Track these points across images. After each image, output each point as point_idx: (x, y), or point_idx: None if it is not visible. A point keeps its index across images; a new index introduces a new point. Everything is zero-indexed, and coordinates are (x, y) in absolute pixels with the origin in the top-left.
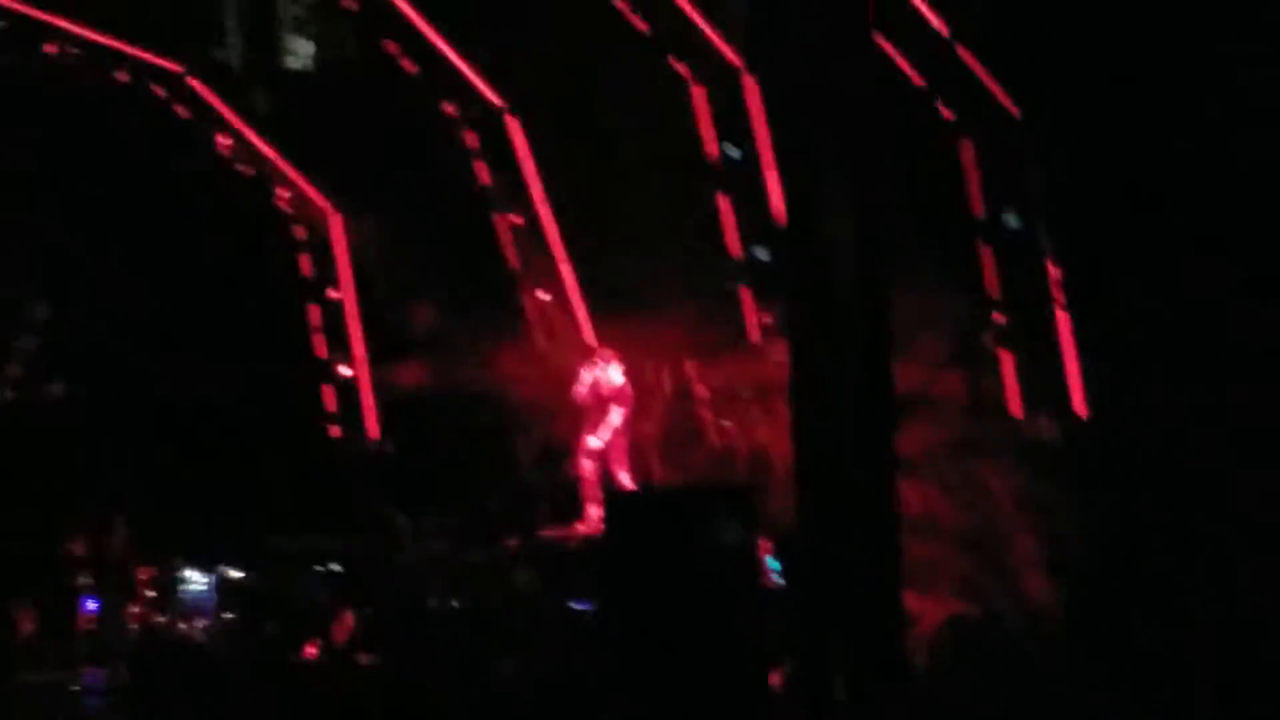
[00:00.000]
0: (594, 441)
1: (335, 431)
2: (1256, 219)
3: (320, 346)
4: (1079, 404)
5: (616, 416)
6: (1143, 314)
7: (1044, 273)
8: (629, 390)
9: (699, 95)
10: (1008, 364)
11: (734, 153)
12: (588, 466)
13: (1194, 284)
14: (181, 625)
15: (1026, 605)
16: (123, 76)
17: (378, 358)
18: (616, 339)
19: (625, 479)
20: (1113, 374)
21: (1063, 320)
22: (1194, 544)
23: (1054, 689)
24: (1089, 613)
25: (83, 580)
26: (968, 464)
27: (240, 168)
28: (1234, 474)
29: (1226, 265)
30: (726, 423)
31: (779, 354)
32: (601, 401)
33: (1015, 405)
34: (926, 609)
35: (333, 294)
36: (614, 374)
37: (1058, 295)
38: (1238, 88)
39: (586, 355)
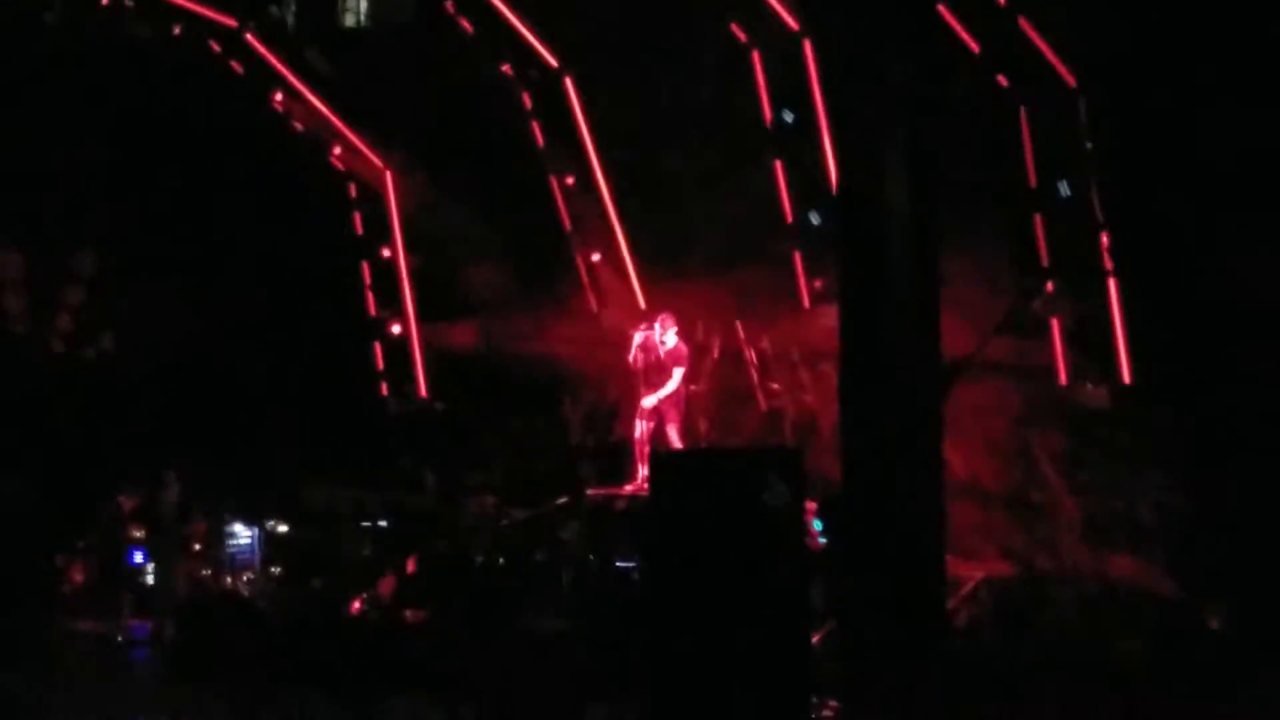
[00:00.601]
0: (648, 401)
1: (385, 389)
2: None
3: (371, 304)
4: (1126, 372)
5: (676, 377)
6: (1194, 285)
7: (1096, 241)
8: (685, 352)
9: (756, 59)
10: (1056, 331)
11: (789, 117)
12: (639, 427)
13: (1245, 255)
14: (228, 579)
15: (1069, 569)
16: (178, 31)
17: (429, 316)
18: (668, 301)
19: (675, 439)
20: (1162, 343)
21: (1113, 289)
22: (1239, 513)
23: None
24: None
25: (134, 534)
26: (1014, 428)
27: (295, 124)
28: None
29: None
30: (775, 385)
31: (829, 318)
32: (654, 363)
33: (1063, 372)
34: (969, 571)
35: (385, 252)
36: (670, 338)
37: (1109, 264)
38: None
39: (639, 317)
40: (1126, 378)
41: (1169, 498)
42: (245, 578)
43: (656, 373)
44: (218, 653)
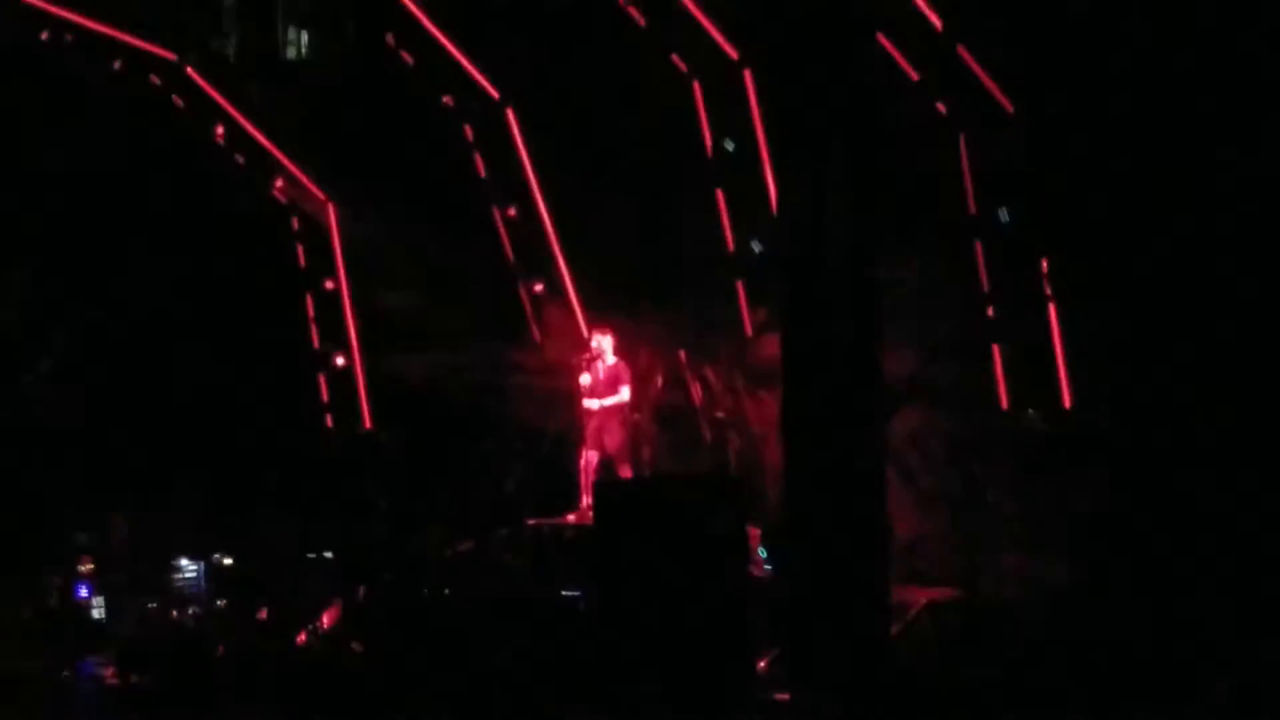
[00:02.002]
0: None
1: (329, 421)
2: (1248, 216)
3: (315, 336)
4: (1067, 396)
5: (624, 393)
6: (1133, 309)
7: (1035, 267)
8: (626, 367)
9: (696, 89)
10: (997, 357)
11: (730, 146)
12: (583, 455)
13: (1184, 278)
14: (174, 612)
15: (1011, 592)
16: (118, 65)
17: (373, 348)
18: (612, 327)
19: (620, 467)
20: (1100, 368)
21: (1052, 314)
22: (1177, 534)
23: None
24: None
25: (82, 569)
26: (956, 454)
27: (236, 157)
28: (1217, 467)
29: (1217, 261)
30: (720, 413)
31: (772, 346)
32: (598, 384)
33: (1004, 397)
34: (913, 596)
35: (329, 284)
36: (607, 348)
37: (1048, 289)
38: (1232, 86)
39: (583, 347)
40: (1067, 403)
41: (1111, 521)
42: (191, 611)
43: (601, 393)
44: (162, 688)
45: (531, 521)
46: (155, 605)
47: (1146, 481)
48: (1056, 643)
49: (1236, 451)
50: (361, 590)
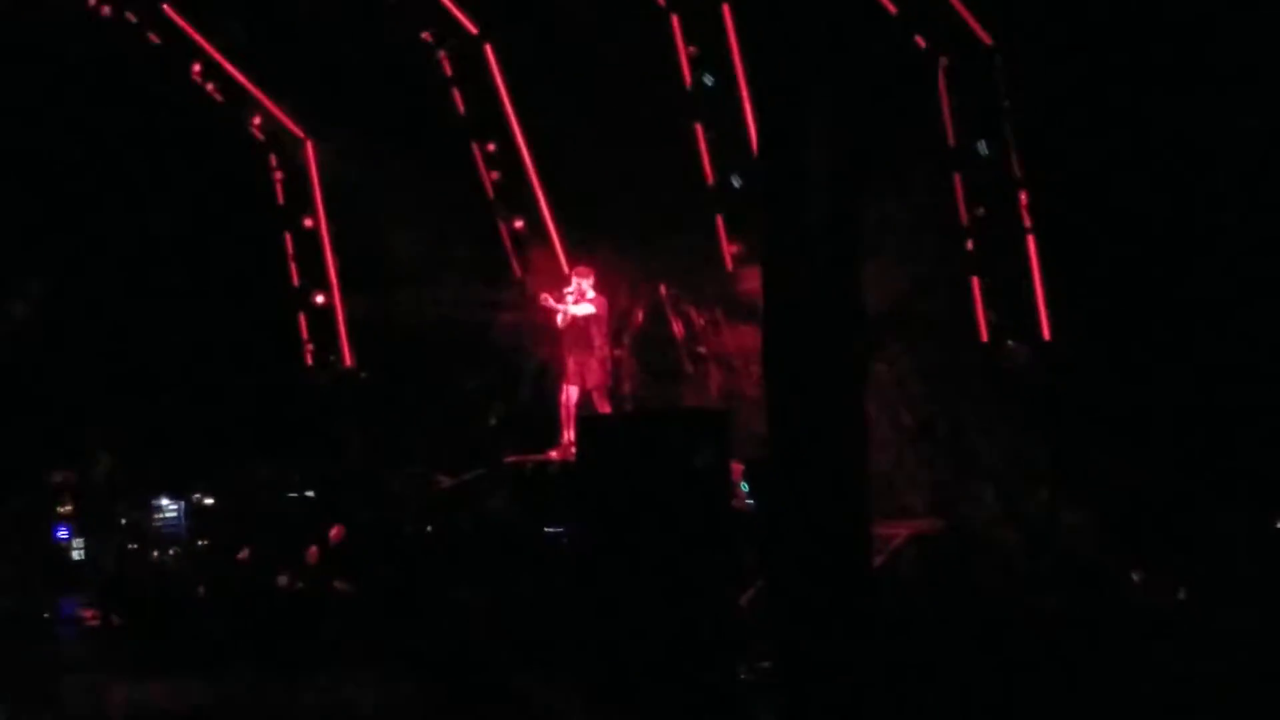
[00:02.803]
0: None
1: (309, 359)
2: (1224, 154)
3: (294, 274)
4: (1047, 329)
5: (596, 336)
6: (1112, 242)
7: (1014, 200)
8: (604, 307)
9: (675, 23)
10: (976, 289)
11: (710, 80)
12: (566, 391)
13: (1162, 211)
14: (155, 552)
15: (992, 523)
16: (96, 3)
17: (354, 286)
18: (592, 267)
19: (601, 403)
20: (1080, 300)
21: (1031, 247)
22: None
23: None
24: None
25: (62, 509)
26: (936, 386)
27: (215, 95)
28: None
29: (1196, 193)
30: (700, 348)
31: (752, 280)
32: (579, 325)
33: (983, 329)
34: (896, 530)
35: (308, 222)
36: (587, 286)
37: (1027, 222)
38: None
39: (563, 283)
40: (1047, 334)
41: (1092, 455)
42: (172, 551)
43: (581, 331)
44: (147, 629)
45: (513, 458)
46: (136, 546)
47: (1123, 411)
48: (1038, 573)
49: (1214, 382)
50: (341, 529)
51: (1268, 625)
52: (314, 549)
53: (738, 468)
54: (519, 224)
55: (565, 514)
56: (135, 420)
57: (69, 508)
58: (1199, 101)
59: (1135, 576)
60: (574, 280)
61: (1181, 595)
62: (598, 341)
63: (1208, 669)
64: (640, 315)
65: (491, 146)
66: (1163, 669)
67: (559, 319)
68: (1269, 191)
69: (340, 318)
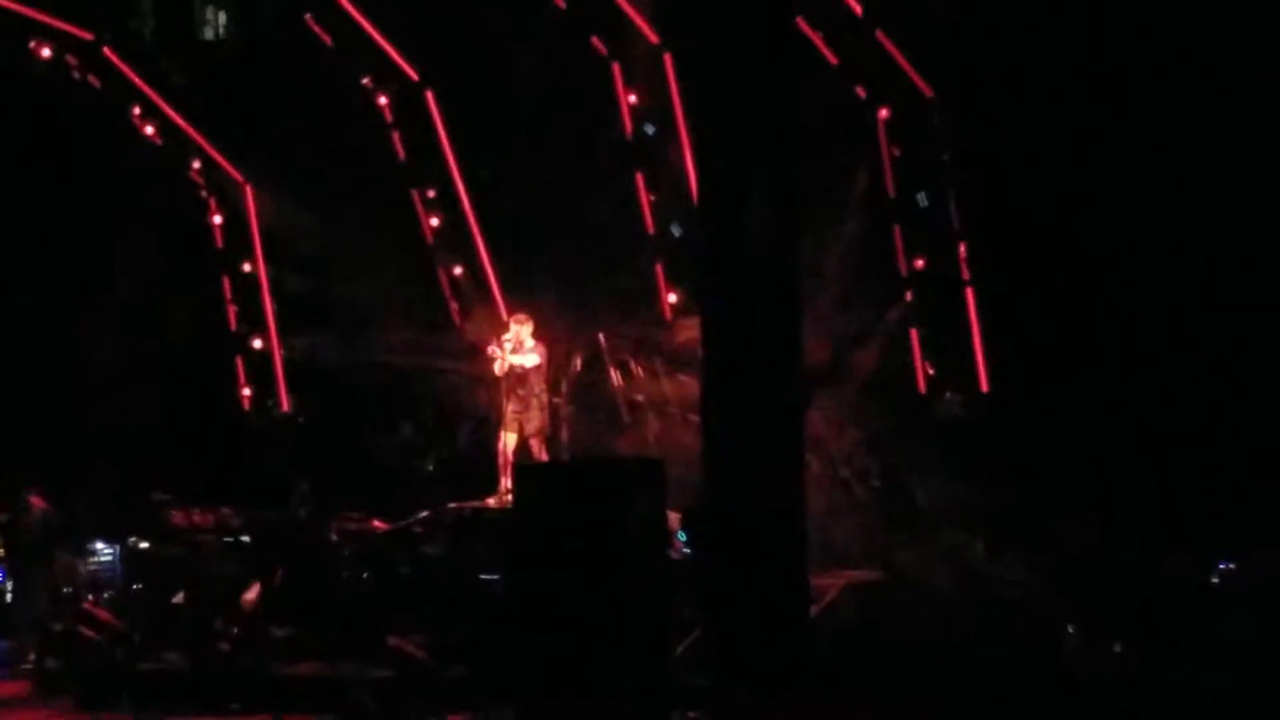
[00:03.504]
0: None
1: (246, 403)
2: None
3: (233, 318)
4: (984, 380)
5: (535, 383)
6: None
7: (954, 251)
8: (544, 355)
9: (617, 72)
10: (914, 340)
11: (650, 130)
12: (504, 438)
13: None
14: (89, 596)
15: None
16: (35, 45)
17: (291, 330)
18: (530, 313)
19: (539, 451)
20: (1017, 353)
21: (970, 298)
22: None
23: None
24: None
25: None
26: (874, 436)
27: (154, 139)
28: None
29: (1137, 246)
30: (638, 397)
31: (691, 330)
32: (517, 372)
33: (922, 381)
34: (832, 578)
35: (246, 266)
36: (526, 335)
37: (965, 274)
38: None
39: (502, 329)
40: (984, 386)
41: (1028, 505)
42: (106, 595)
43: (519, 380)
44: (79, 674)
45: (451, 504)
46: (69, 590)
47: (1060, 462)
48: (973, 620)
49: (1153, 435)
50: (278, 574)
51: (1203, 680)
52: (251, 594)
53: (675, 517)
54: (458, 270)
55: (501, 561)
56: (69, 462)
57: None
58: (1138, 155)
59: (1070, 629)
60: (512, 327)
61: (1117, 649)
62: (537, 389)
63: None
64: (579, 363)
65: (432, 192)
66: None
67: (497, 367)
68: (1207, 244)
69: (278, 362)
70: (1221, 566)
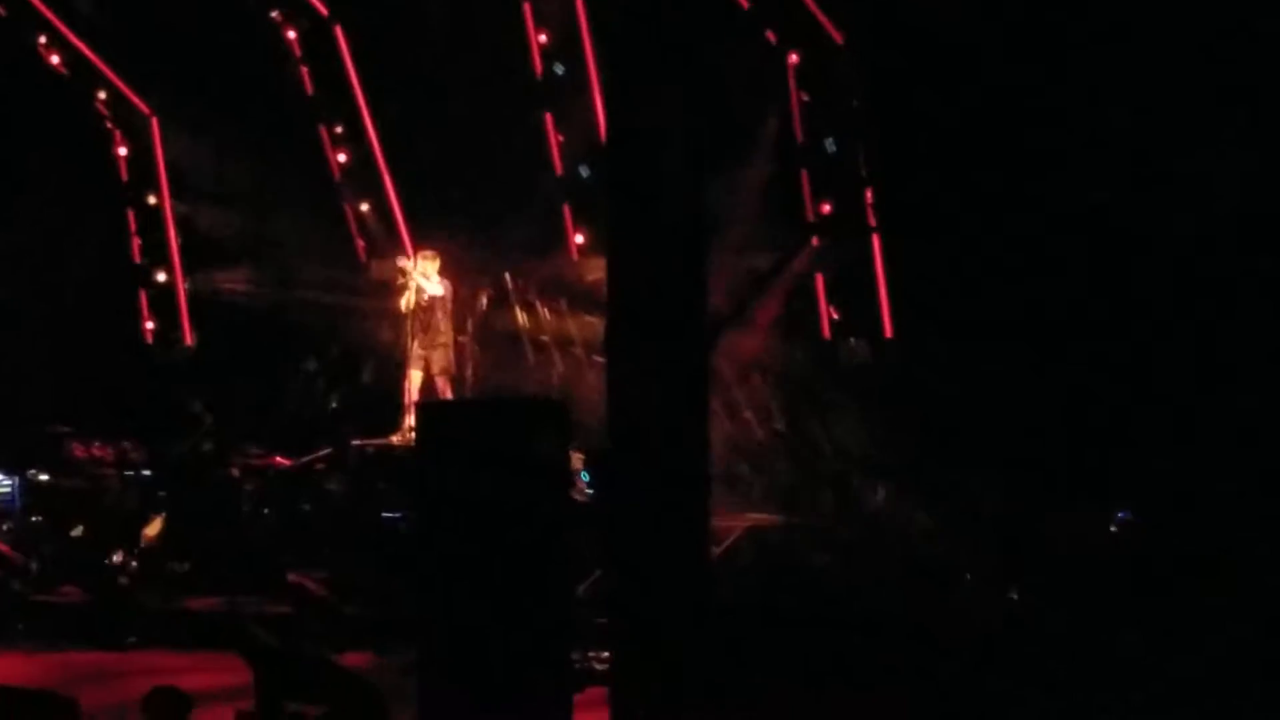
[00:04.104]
0: (417, 349)
1: (149, 337)
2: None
3: (136, 251)
4: (888, 326)
5: (441, 321)
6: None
7: (860, 197)
8: (450, 292)
9: (528, 11)
10: (820, 285)
11: (560, 70)
12: (410, 376)
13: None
14: None
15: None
16: None
17: (195, 264)
18: (438, 251)
19: (445, 389)
20: (920, 298)
21: (875, 245)
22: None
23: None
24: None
25: None
26: (777, 381)
27: (59, 69)
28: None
29: (1038, 190)
30: (543, 336)
31: (596, 270)
32: (423, 306)
33: (826, 327)
34: (732, 523)
35: (151, 199)
36: (432, 271)
37: (871, 220)
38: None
39: (407, 263)
40: (888, 332)
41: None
42: (5, 526)
43: (427, 315)
44: None
45: (355, 442)
46: None
47: (961, 410)
48: (871, 566)
49: (1053, 382)
50: (171, 511)
51: (1093, 626)
52: (151, 529)
53: (579, 457)
54: (365, 206)
55: (405, 500)
56: None
57: None
58: (1049, 103)
59: (967, 575)
60: (418, 262)
61: (1013, 595)
62: (443, 326)
63: (1027, 667)
64: (485, 302)
65: (339, 128)
66: (986, 666)
67: (404, 302)
68: (1116, 187)
69: (181, 296)
70: (1120, 517)
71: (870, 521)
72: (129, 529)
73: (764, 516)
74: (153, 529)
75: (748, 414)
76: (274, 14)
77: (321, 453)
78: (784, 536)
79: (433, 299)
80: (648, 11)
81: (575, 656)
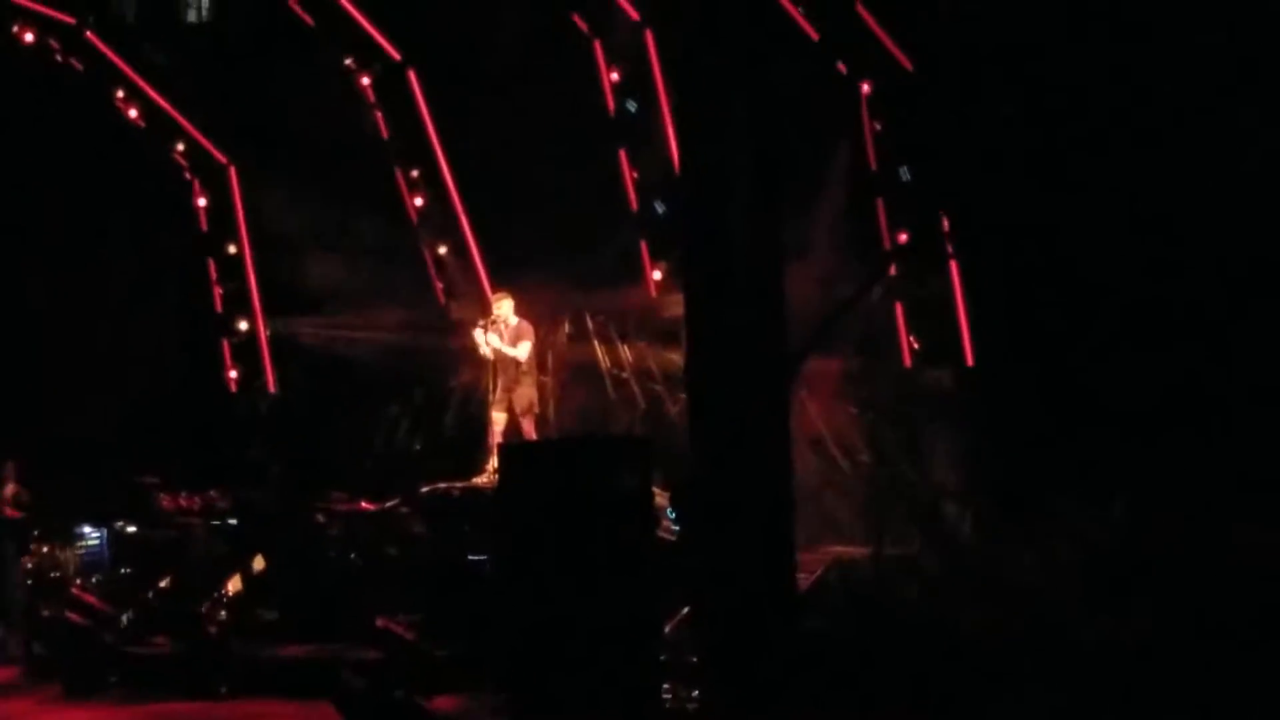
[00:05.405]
0: (500, 390)
1: (233, 386)
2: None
3: (218, 300)
4: (969, 354)
5: (523, 349)
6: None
7: (937, 225)
8: (528, 328)
9: (598, 49)
10: (899, 314)
11: (632, 106)
12: (493, 417)
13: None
14: (78, 580)
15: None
16: (19, 30)
17: (276, 311)
18: (516, 290)
19: (528, 429)
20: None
21: (954, 272)
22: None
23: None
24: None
25: None
26: (859, 410)
27: (137, 122)
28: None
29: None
30: (624, 373)
31: (675, 305)
32: (503, 353)
33: (907, 355)
34: (820, 553)
35: (231, 248)
36: (508, 313)
37: (949, 247)
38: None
39: (486, 308)
40: (969, 359)
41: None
42: (94, 578)
43: (508, 357)
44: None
45: (440, 485)
46: (57, 574)
47: (1046, 436)
48: (960, 595)
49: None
50: (262, 557)
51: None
52: (236, 577)
53: (663, 494)
54: (442, 249)
55: (489, 541)
56: (56, 446)
57: None
58: (1125, 126)
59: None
60: (495, 305)
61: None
62: (525, 367)
63: (1113, 689)
64: (565, 340)
65: (415, 172)
66: (1072, 688)
67: (483, 350)
68: (1194, 215)
69: (264, 343)
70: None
71: (958, 552)
72: (217, 578)
73: (850, 548)
74: (240, 578)
75: (830, 445)
76: (348, 60)
77: (406, 496)
78: (871, 568)
79: (510, 334)
80: (715, 46)
81: (665, 694)
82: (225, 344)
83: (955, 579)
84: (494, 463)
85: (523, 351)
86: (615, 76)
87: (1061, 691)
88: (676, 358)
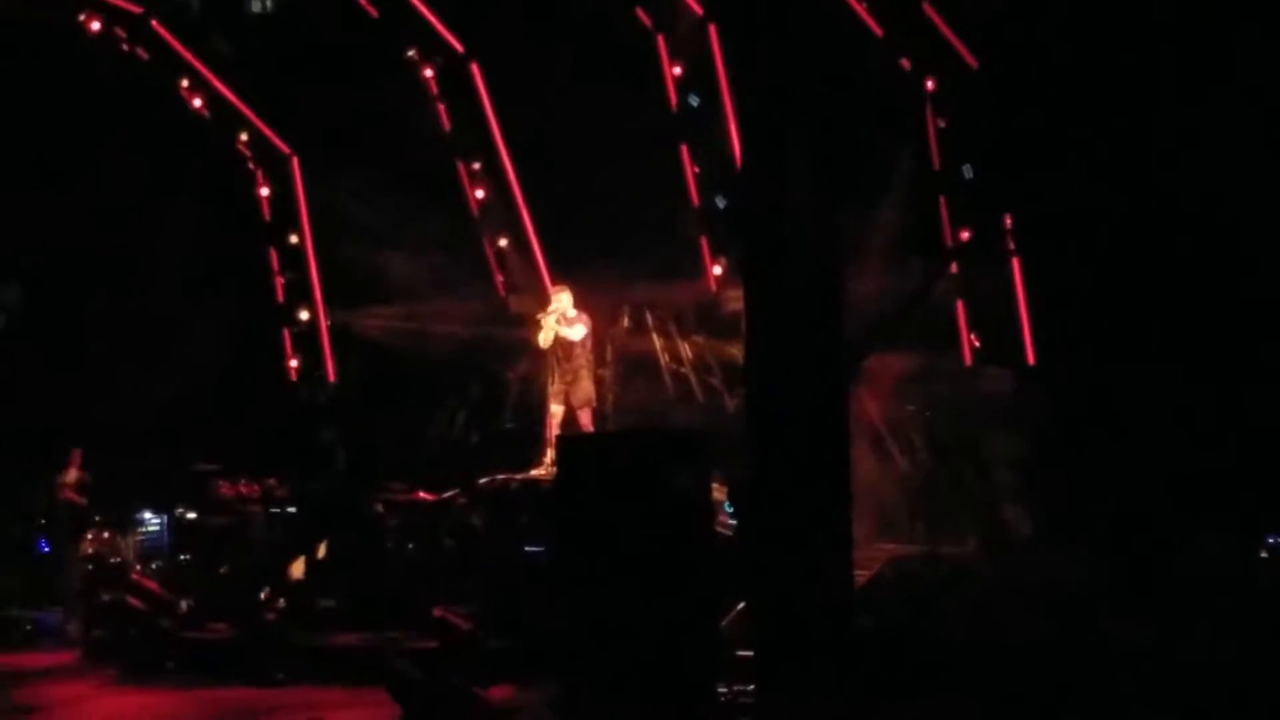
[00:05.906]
0: (558, 383)
1: (294, 375)
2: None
3: (280, 290)
4: (1030, 354)
5: (578, 332)
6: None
7: (999, 223)
8: (588, 325)
9: (661, 44)
10: (960, 312)
11: (695, 101)
12: (551, 409)
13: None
14: (137, 566)
15: (973, 547)
16: (85, 19)
17: (337, 301)
18: (575, 284)
19: (586, 422)
20: (1064, 325)
21: (1016, 271)
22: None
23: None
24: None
25: (40, 521)
26: (919, 409)
27: (201, 111)
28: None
29: (1178, 220)
30: (684, 368)
31: (734, 300)
32: (564, 343)
33: (968, 353)
34: (877, 551)
35: (293, 238)
36: (567, 306)
37: (1011, 245)
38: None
39: (546, 300)
40: (1030, 358)
41: (1073, 480)
42: (154, 565)
43: (565, 352)
44: (127, 643)
45: (498, 476)
46: (118, 560)
47: (1106, 437)
48: (1017, 596)
49: (1197, 408)
50: (323, 546)
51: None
52: (296, 565)
53: (721, 488)
54: (503, 241)
55: (546, 533)
56: (118, 433)
57: (44, 521)
58: (1189, 124)
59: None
60: (554, 297)
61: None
62: (583, 360)
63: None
64: (624, 334)
65: (476, 164)
66: (1130, 701)
67: (541, 339)
68: (1263, 216)
69: (324, 333)
70: (1270, 541)
71: (1017, 555)
72: (276, 566)
73: (908, 547)
74: (299, 565)
75: (889, 442)
76: (410, 52)
77: (464, 487)
78: (927, 566)
79: (568, 324)
80: (778, 41)
81: (721, 689)
82: (286, 333)
83: (1010, 584)
84: (552, 455)
85: (577, 333)
86: (677, 71)
87: (1112, 702)
88: (736, 352)
